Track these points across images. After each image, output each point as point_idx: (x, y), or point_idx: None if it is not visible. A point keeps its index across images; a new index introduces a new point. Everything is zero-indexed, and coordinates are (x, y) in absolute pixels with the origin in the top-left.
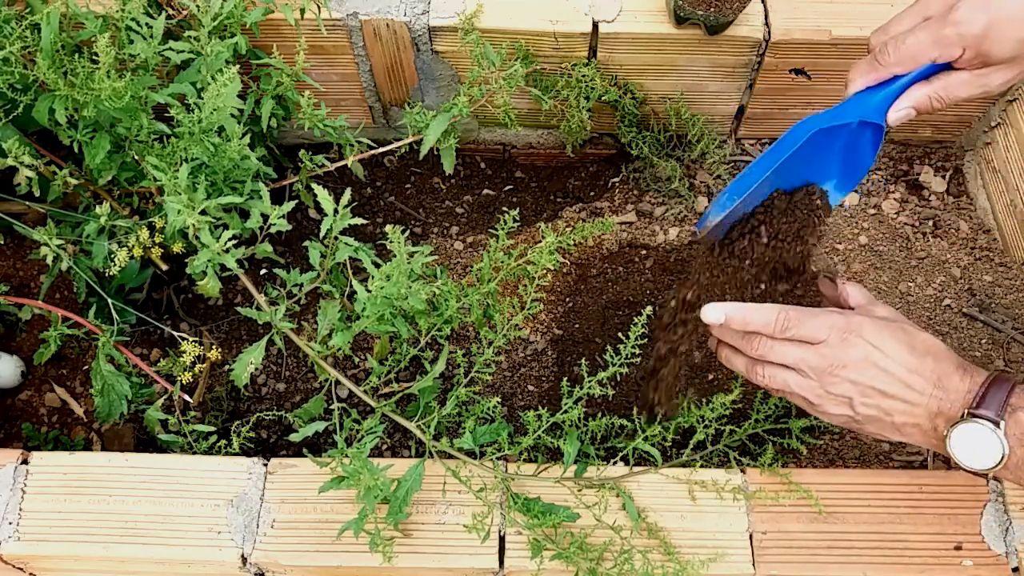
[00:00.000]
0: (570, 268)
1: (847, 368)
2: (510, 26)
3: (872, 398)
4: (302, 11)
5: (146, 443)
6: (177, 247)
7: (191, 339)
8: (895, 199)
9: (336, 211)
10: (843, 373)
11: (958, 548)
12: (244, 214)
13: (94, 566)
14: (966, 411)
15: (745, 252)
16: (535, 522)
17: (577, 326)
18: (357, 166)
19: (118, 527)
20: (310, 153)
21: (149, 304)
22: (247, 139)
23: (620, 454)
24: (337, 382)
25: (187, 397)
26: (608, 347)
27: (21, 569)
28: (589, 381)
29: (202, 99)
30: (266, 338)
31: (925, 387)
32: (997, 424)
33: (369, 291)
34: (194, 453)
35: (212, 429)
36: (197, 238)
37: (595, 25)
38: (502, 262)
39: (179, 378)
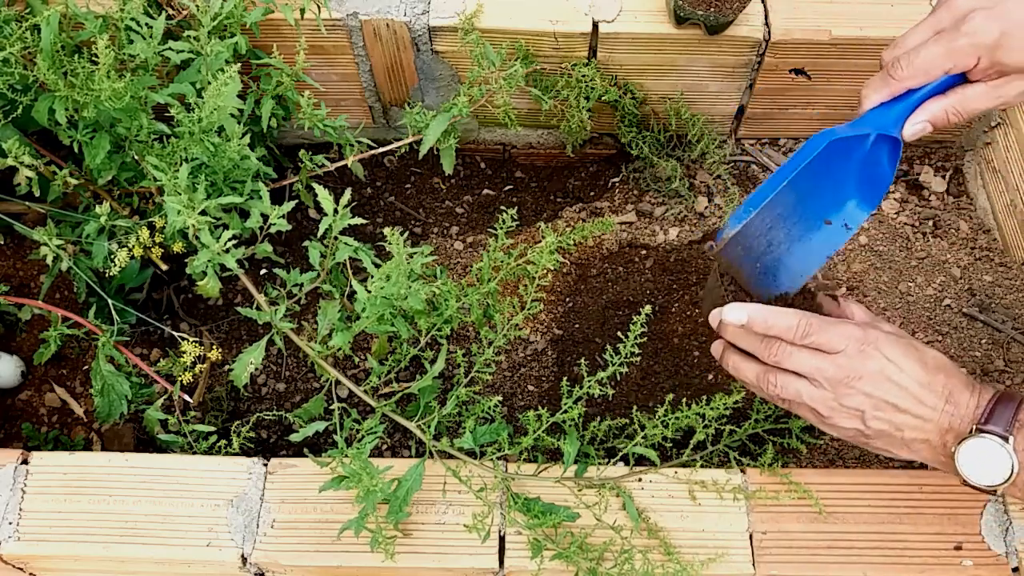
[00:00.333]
0: (570, 268)
1: (862, 380)
2: (510, 26)
3: (884, 412)
4: (302, 11)
5: (146, 443)
6: (177, 247)
7: (191, 339)
8: (895, 199)
9: (336, 211)
10: (858, 385)
11: (958, 548)
12: (244, 214)
13: (94, 566)
14: (974, 427)
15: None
16: (535, 522)
17: (577, 326)
18: (357, 166)
19: (118, 527)
20: (310, 153)
21: (149, 304)
22: (247, 139)
23: (620, 454)
24: (337, 382)
25: (187, 397)
26: (608, 347)
27: (21, 569)
28: (589, 381)
29: (202, 99)
30: (266, 338)
31: (936, 403)
32: (1006, 439)
33: (369, 291)
34: (194, 453)
35: (212, 429)
36: (197, 238)
37: (595, 25)
38: (502, 262)
39: (179, 378)
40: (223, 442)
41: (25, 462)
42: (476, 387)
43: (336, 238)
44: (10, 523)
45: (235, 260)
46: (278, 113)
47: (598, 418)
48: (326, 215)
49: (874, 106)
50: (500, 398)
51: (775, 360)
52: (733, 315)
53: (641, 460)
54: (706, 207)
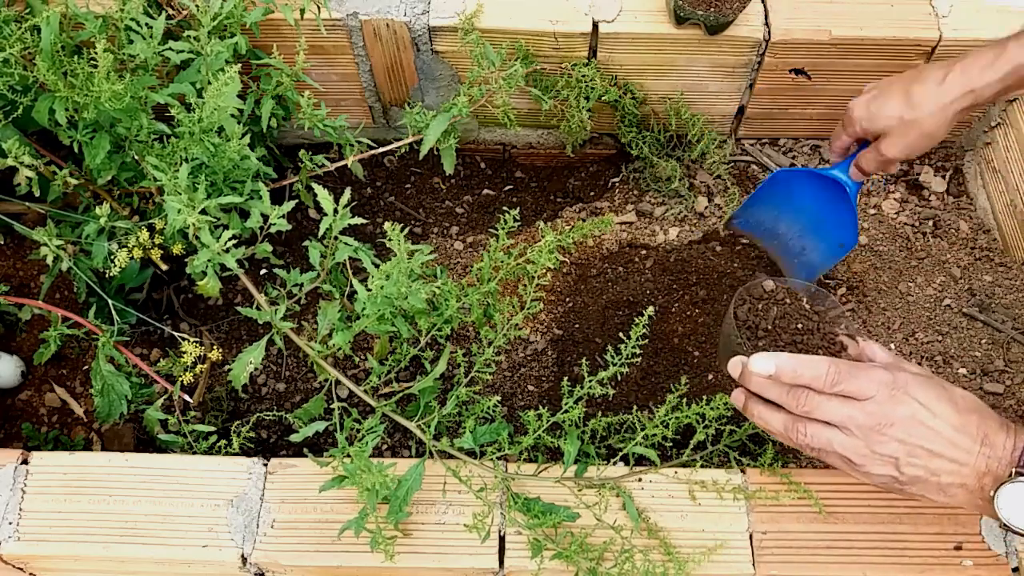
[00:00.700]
0: (570, 268)
1: (894, 427)
2: (510, 26)
3: (919, 458)
4: (302, 11)
5: (146, 443)
6: (177, 247)
7: (191, 339)
8: (895, 199)
9: (336, 211)
10: (891, 432)
11: (958, 548)
12: (244, 214)
13: (94, 566)
14: (1013, 470)
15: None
16: (535, 522)
17: (577, 326)
18: (357, 166)
19: (118, 527)
20: (310, 153)
21: (149, 304)
22: (247, 139)
23: (620, 454)
24: (337, 382)
25: (187, 397)
26: (608, 347)
27: (21, 569)
28: (589, 381)
29: (202, 99)
30: (266, 338)
31: (971, 446)
32: None
33: (369, 291)
34: (194, 453)
35: (212, 429)
36: (197, 238)
37: (595, 25)
38: (502, 262)
39: (179, 378)
40: (223, 442)
41: (25, 462)
42: (476, 387)
43: (336, 238)
44: (10, 523)
45: (235, 260)
46: (278, 113)
47: (599, 415)
48: (326, 215)
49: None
50: (500, 398)
51: (804, 411)
52: (760, 366)
53: (641, 460)
54: (706, 207)
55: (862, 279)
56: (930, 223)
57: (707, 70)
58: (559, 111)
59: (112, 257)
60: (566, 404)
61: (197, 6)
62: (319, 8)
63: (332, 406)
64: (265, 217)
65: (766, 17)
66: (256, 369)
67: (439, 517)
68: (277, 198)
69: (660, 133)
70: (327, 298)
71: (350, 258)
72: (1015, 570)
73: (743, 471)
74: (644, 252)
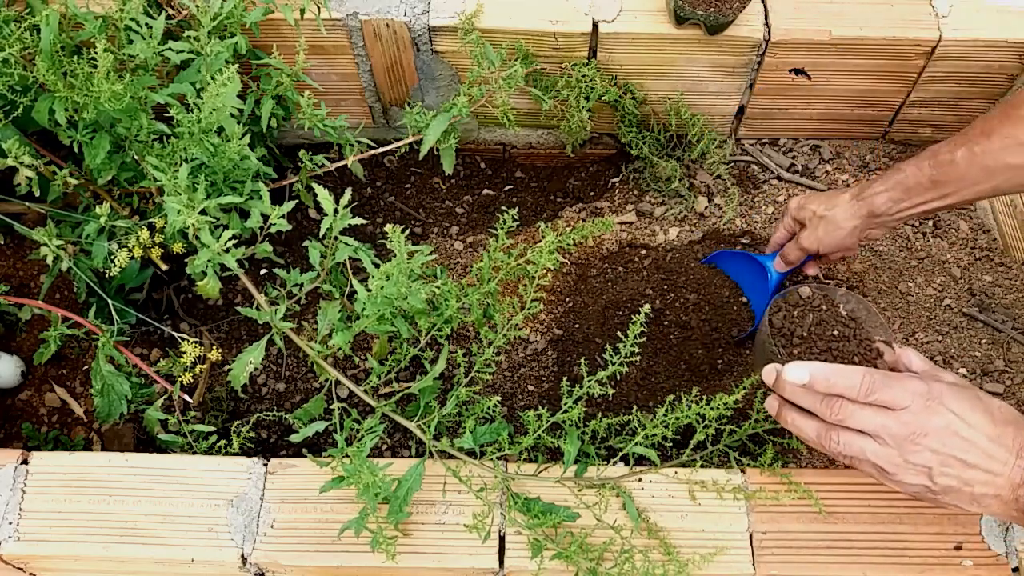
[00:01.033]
0: (570, 268)
1: (929, 437)
2: (510, 26)
3: (953, 468)
4: (302, 11)
5: (146, 443)
6: (177, 247)
7: (191, 339)
8: None
9: (336, 211)
10: (924, 442)
11: (958, 548)
12: (244, 214)
13: (94, 566)
14: None
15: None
16: (535, 522)
17: (577, 326)
18: (357, 166)
19: (118, 527)
20: (310, 153)
21: (149, 304)
22: (247, 139)
23: (620, 454)
24: (337, 382)
25: (187, 397)
26: (608, 347)
27: (21, 569)
28: (589, 381)
29: (202, 99)
30: (266, 338)
31: (1007, 457)
32: None
33: (369, 291)
34: (194, 453)
35: (212, 429)
36: (197, 238)
37: (595, 25)
38: (502, 262)
39: (179, 378)
40: (223, 442)
41: (25, 462)
42: (476, 387)
43: (336, 238)
44: (10, 523)
45: (235, 260)
46: (278, 113)
47: (599, 415)
48: (326, 215)
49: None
50: (500, 398)
51: (838, 419)
52: (794, 375)
53: (641, 460)
54: (706, 207)
55: (862, 279)
56: (930, 223)
57: (707, 70)
58: (559, 111)
59: (112, 257)
60: (566, 404)
61: (197, 6)
62: (319, 8)
63: (332, 406)
64: (265, 217)
65: (766, 17)
66: (256, 369)
67: (439, 517)
68: (277, 198)
69: (660, 133)
70: (327, 298)
71: (350, 258)
72: (1015, 570)
73: (743, 471)
74: (644, 252)
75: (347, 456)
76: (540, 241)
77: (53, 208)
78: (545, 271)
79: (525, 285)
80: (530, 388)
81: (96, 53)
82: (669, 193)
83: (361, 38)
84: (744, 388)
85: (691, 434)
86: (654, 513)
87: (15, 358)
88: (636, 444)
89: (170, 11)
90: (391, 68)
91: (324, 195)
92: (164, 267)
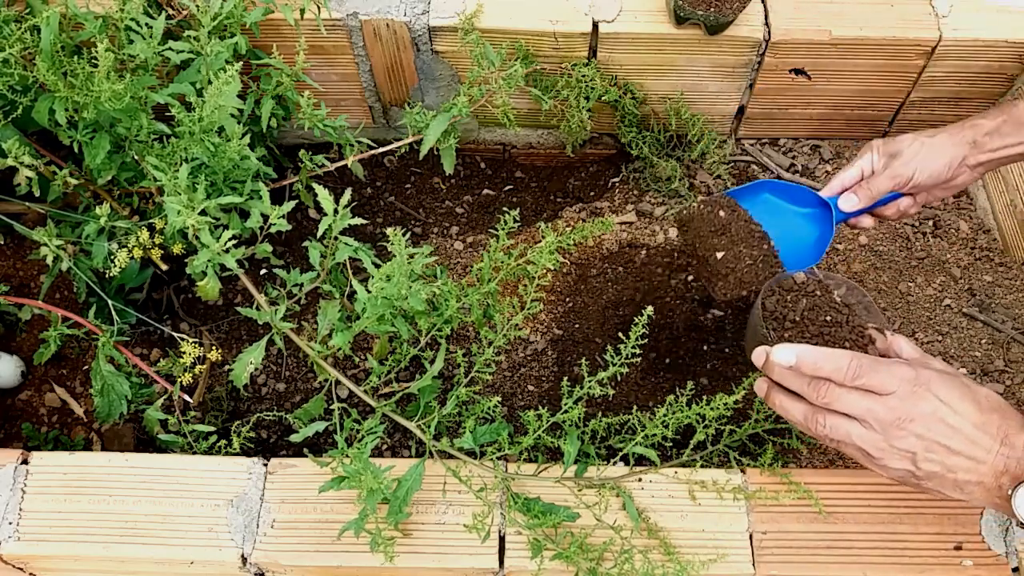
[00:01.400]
0: (570, 268)
1: (915, 422)
2: (510, 26)
3: (937, 454)
4: (302, 11)
5: (146, 443)
6: (177, 247)
7: (191, 339)
8: None
9: (336, 211)
10: (910, 427)
11: (958, 548)
12: (244, 214)
13: (94, 566)
14: None
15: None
16: (535, 522)
17: (577, 326)
18: (357, 166)
19: (118, 527)
20: (310, 153)
21: (149, 304)
22: (247, 139)
23: (620, 454)
24: (337, 382)
25: (187, 397)
26: (608, 347)
27: (21, 569)
28: (589, 381)
29: (202, 99)
30: (266, 338)
31: (991, 445)
32: None
33: (369, 291)
34: (194, 453)
35: (212, 429)
36: (197, 238)
37: (595, 25)
38: (502, 262)
39: (179, 378)
40: (223, 442)
41: (25, 462)
42: (476, 387)
43: (336, 238)
44: (10, 523)
45: (235, 260)
46: (278, 113)
47: (599, 416)
48: (326, 215)
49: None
50: (500, 398)
51: (824, 402)
52: (781, 356)
53: (641, 460)
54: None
55: (862, 279)
56: (930, 223)
57: (707, 70)
58: (559, 111)
59: (112, 257)
60: (566, 404)
61: (197, 6)
62: (319, 8)
63: (332, 406)
64: (265, 217)
65: (766, 17)
66: (256, 369)
67: (439, 517)
68: (277, 198)
69: (660, 133)
70: (327, 298)
71: (350, 258)
72: (1015, 570)
73: (743, 471)
74: (644, 252)
75: (347, 457)
76: (540, 241)
77: (53, 208)
78: (545, 271)
79: (525, 285)
80: (530, 388)
81: (96, 53)
82: (669, 193)
83: (361, 38)
84: (744, 388)
85: (691, 434)
86: (654, 513)
87: (15, 358)
88: (636, 444)
89: (170, 11)
90: (391, 68)
91: (324, 195)
92: (164, 267)
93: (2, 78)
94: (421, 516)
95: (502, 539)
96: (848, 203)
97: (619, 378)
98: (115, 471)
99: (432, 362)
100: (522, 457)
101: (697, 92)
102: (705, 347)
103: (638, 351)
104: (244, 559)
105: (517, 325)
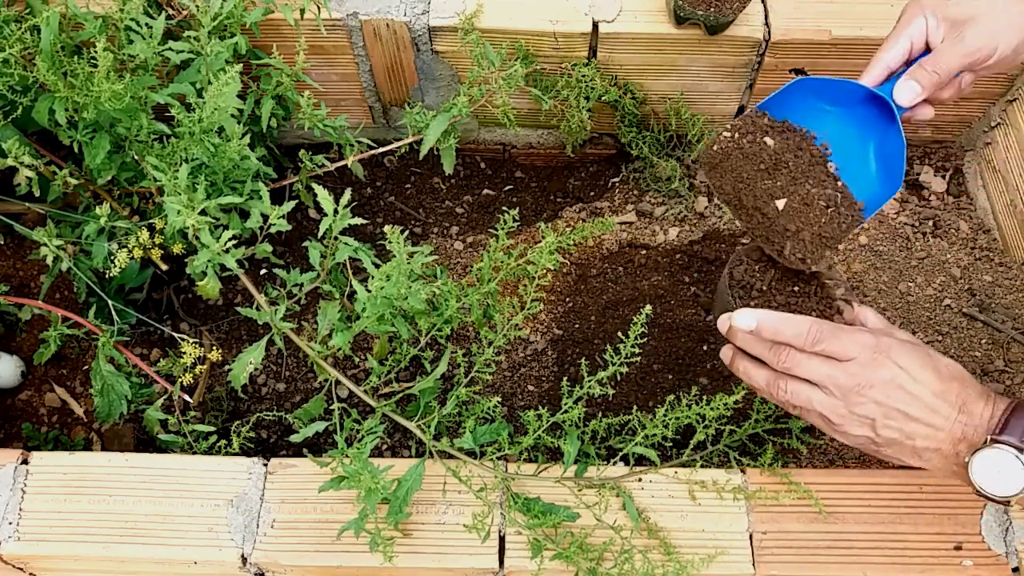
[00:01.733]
0: (570, 268)
1: (874, 389)
2: (510, 26)
3: (896, 421)
4: (302, 11)
5: (146, 443)
6: (177, 247)
7: (191, 339)
8: (895, 199)
9: (336, 211)
10: (869, 393)
11: (958, 548)
12: (244, 214)
13: (94, 566)
14: (989, 437)
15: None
16: (535, 522)
17: (577, 326)
18: (357, 166)
19: (118, 527)
20: (310, 153)
21: (149, 304)
22: (247, 139)
23: (620, 454)
24: (337, 382)
25: (187, 397)
26: (608, 347)
27: (21, 569)
28: (589, 381)
29: (202, 99)
30: (266, 338)
31: (950, 412)
32: (1021, 450)
33: (369, 291)
34: (194, 453)
35: (212, 429)
36: (197, 238)
37: (595, 25)
38: (502, 262)
39: (179, 378)
40: (223, 442)
41: (25, 462)
42: (476, 387)
43: (336, 238)
44: (10, 523)
45: (235, 260)
46: (278, 113)
47: (599, 416)
48: (326, 215)
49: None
50: (500, 398)
51: (785, 367)
52: (742, 321)
53: (641, 460)
54: (706, 207)
55: (862, 279)
56: (930, 223)
57: (707, 70)
58: (559, 111)
59: (112, 257)
60: (566, 404)
61: (197, 6)
62: (319, 8)
63: (332, 406)
64: (265, 217)
65: (766, 17)
66: (256, 369)
67: (439, 517)
68: (277, 198)
69: (660, 133)
70: (327, 298)
71: (350, 258)
72: (1015, 570)
73: (743, 471)
74: (644, 252)
75: (347, 457)
76: (540, 241)
77: (53, 208)
78: (545, 271)
79: (525, 285)
80: (530, 388)
81: (96, 53)
82: (669, 193)
83: (361, 38)
84: (743, 388)
85: (691, 434)
86: (654, 513)
87: (15, 358)
88: (636, 444)
89: (170, 11)
90: (391, 68)
91: (324, 195)
92: (164, 267)
93: (2, 78)
94: (421, 516)
95: (502, 539)
96: (907, 94)
97: (619, 378)
98: (115, 471)
99: (433, 363)
100: (522, 457)
101: (697, 92)
102: (705, 347)
103: (638, 351)
104: (244, 559)
105: (517, 325)
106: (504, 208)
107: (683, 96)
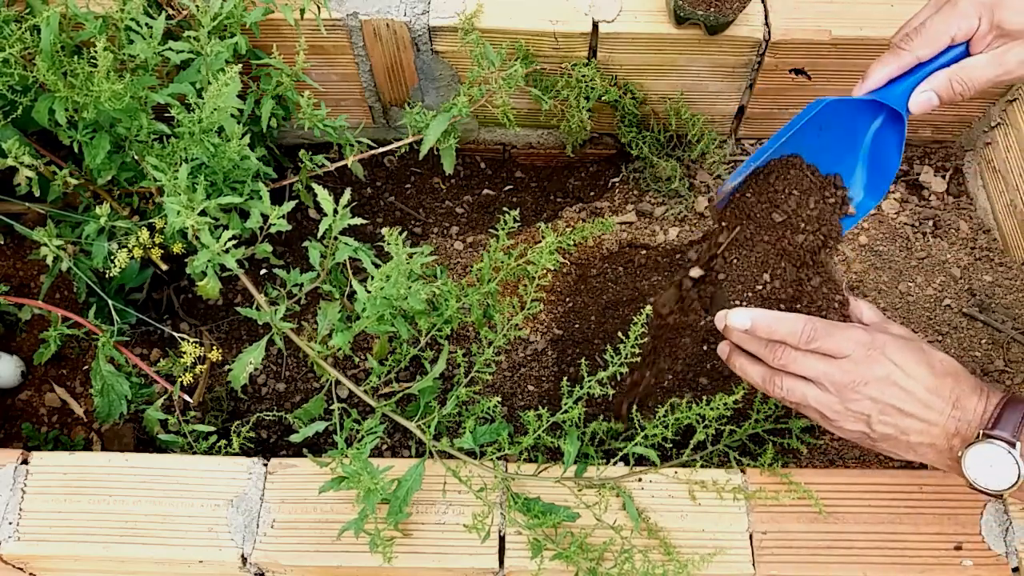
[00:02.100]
0: (570, 268)
1: (869, 385)
2: (510, 26)
3: (890, 416)
4: (302, 11)
5: (146, 443)
6: (177, 247)
7: (191, 339)
8: (895, 199)
9: (336, 211)
10: (864, 390)
11: (958, 548)
12: (244, 214)
13: (94, 566)
14: (982, 432)
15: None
16: (535, 522)
17: (577, 326)
18: (357, 166)
19: (118, 527)
20: (310, 153)
21: (149, 304)
22: (247, 139)
23: (620, 454)
24: (337, 382)
25: (187, 397)
26: (608, 347)
27: (21, 569)
28: (589, 381)
29: (202, 99)
30: (266, 338)
31: (943, 407)
32: (1013, 445)
33: (369, 291)
34: (194, 453)
35: (212, 429)
36: (197, 238)
37: (595, 25)
38: (502, 262)
39: (179, 378)
40: (223, 442)
41: (25, 462)
42: (476, 387)
43: (336, 238)
44: (10, 523)
45: (235, 260)
46: (278, 113)
47: (600, 417)
48: (326, 215)
49: (880, 83)
50: (500, 398)
51: (780, 364)
52: (737, 319)
53: (641, 460)
54: (706, 207)
55: (862, 279)
56: (930, 223)
57: (707, 70)
58: (559, 111)
59: (112, 257)
60: (566, 404)
61: (197, 6)
62: (319, 8)
63: (332, 406)
64: (265, 217)
65: (766, 17)
66: (256, 369)
67: (439, 517)
68: (277, 198)
69: (660, 133)
70: (327, 298)
71: (350, 258)
72: (1015, 570)
73: (743, 471)
74: (644, 252)
75: (347, 457)
76: (540, 241)
77: (53, 208)
78: (545, 271)
79: (525, 285)
80: (530, 388)
81: (96, 53)
82: (669, 193)
83: (361, 38)
84: (743, 388)
85: (691, 434)
86: (654, 513)
87: (15, 358)
88: (636, 444)
89: (170, 11)
90: (391, 68)
91: (324, 195)
92: (164, 267)
93: (2, 78)
94: (421, 516)
95: (502, 539)
96: (924, 106)
97: (619, 378)
98: (115, 471)
99: (433, 362)
100: (522, 457)
101: (697, 92)
102: (705, 347)
103: (637, 351)
104: (244, 559)
105: (517, 325)
106: (504, 208)
107: (683, 96)
